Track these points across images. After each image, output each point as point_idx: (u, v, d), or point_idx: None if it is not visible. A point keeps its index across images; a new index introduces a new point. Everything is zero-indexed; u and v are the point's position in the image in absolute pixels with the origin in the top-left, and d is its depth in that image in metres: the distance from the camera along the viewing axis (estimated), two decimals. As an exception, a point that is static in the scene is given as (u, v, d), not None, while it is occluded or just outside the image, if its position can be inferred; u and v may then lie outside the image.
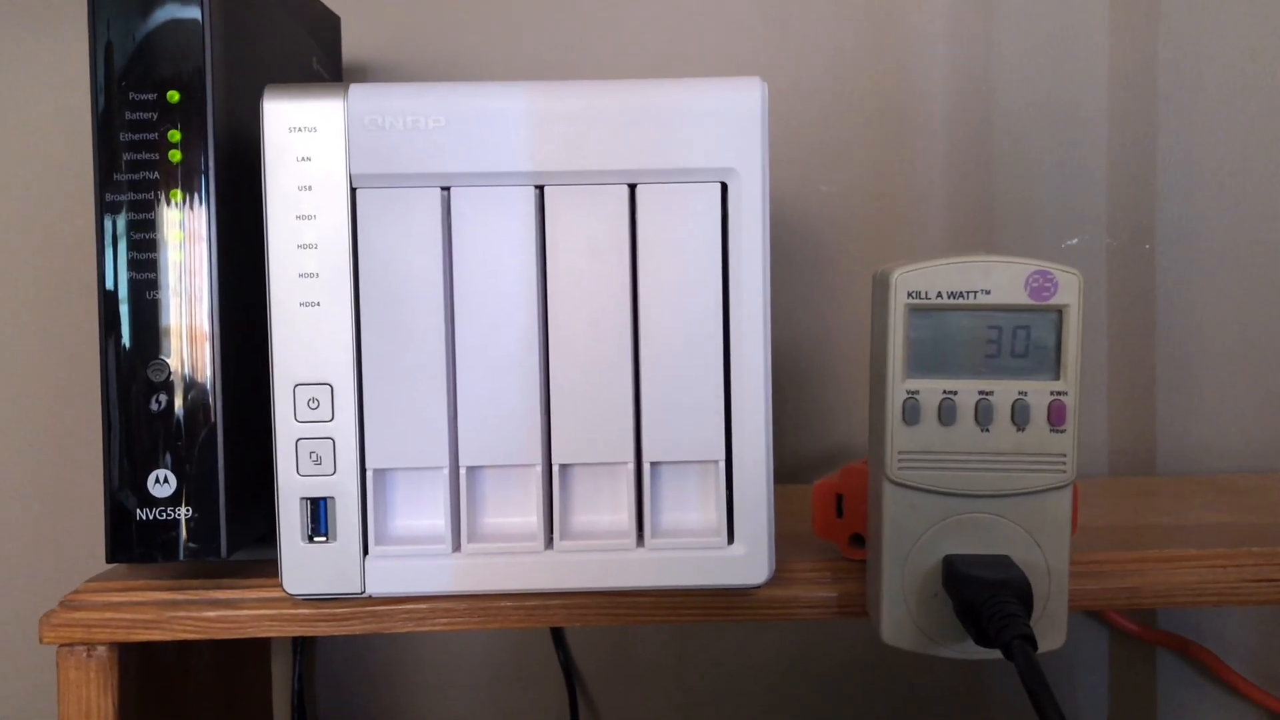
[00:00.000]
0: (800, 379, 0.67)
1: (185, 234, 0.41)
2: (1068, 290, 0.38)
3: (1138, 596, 0.44)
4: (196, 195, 0.41)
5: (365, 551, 0.40)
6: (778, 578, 0.43)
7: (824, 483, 0.45)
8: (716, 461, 0.40)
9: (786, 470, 0.67)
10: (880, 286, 0.40)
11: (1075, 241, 0.67)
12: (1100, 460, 0.67)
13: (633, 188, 0.40)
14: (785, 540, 0.48)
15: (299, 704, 0.65)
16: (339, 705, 0.68)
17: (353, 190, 0.40)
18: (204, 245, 0.41)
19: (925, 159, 0.66)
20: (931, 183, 0.66)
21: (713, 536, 0.40)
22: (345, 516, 0.40)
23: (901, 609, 0.39)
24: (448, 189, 0.40)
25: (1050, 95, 0.66)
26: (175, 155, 0.41)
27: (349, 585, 0.40)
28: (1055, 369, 0.39)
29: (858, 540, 0.45)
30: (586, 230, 0.40)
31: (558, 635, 0.67)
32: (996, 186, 0.66)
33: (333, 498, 0.40)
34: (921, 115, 0.66)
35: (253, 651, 0.62)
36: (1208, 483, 0.61)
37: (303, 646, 0.65)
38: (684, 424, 0.40)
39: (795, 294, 0.67)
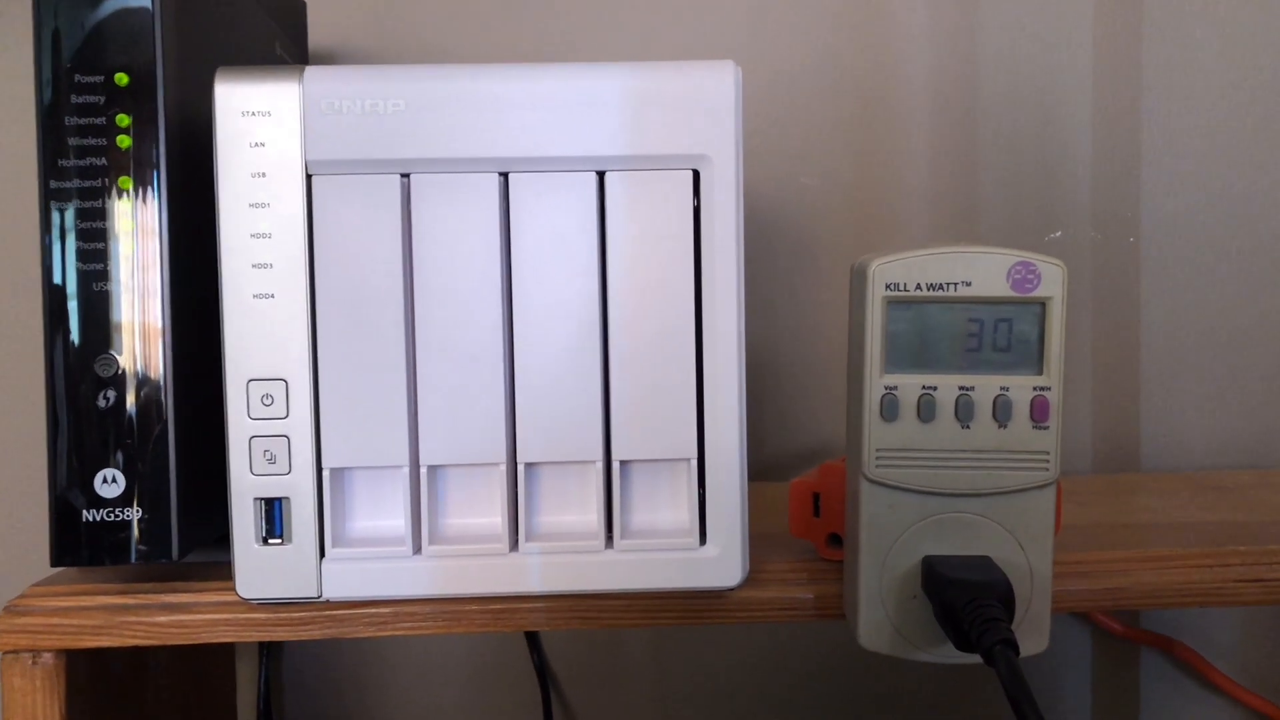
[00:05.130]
0: (781, 375, 0.66)
1: (136, 224, 0.39)
2: (1051, 282, 0.37)
3: (1124, 597, 0.42)
4: (148, 183, 0.39)
5: (322, 554, 0.38)
6: (753, 579, 0.42)
7: (801, 481, 0.43)
8: (688, 460, 0.39)
9: (767, 469, 0.66)
10: (858, 278, 0.38)
11: (1059, 234, 0.66)
12: (1084, 457, 0.66)
13: (601, 175, 0.38)
14: (762, 540, 0.46)
15: (265, 709, 0.63)
16: (307, 709, 0.66)
17: (308, 177, 0.38)
18: (155, 235, 0.39)
19: (908, 151, 0.65)
20: (914, 175, 0.65)
21: (684, 537, 0.39)
22: (301, 517, 0.38)
23: (879, 612, 0.38)
24: (408, 176, 0.38)
25: (1034, 86, 0.65)
26: (125, 141, 0.39)
27: (305, 589, 0.38)
28: (1038, 363, 0.37)
29: (835, 540, 0.43)
30: (553, 219, 0.38)
31: (532, 637, 0.65)
32: (979, 179, 0.65)
33: (288, 498, 0.38)
34: (904, 107, 0.65)
35: (215, 655, 0.60)
36: (1193, 480, 0.60)
37: (269, 649, 0.64)
38: (655, 421, 0.38)
39: (776, 289, 0.65)
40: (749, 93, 0.64)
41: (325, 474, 0.38)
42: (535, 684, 0.65)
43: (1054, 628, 0.38)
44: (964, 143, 0.65)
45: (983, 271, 0.37)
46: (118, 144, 0.39)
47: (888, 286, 0.37)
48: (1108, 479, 0.62)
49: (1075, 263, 0.65)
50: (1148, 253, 0.66)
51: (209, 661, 0.59)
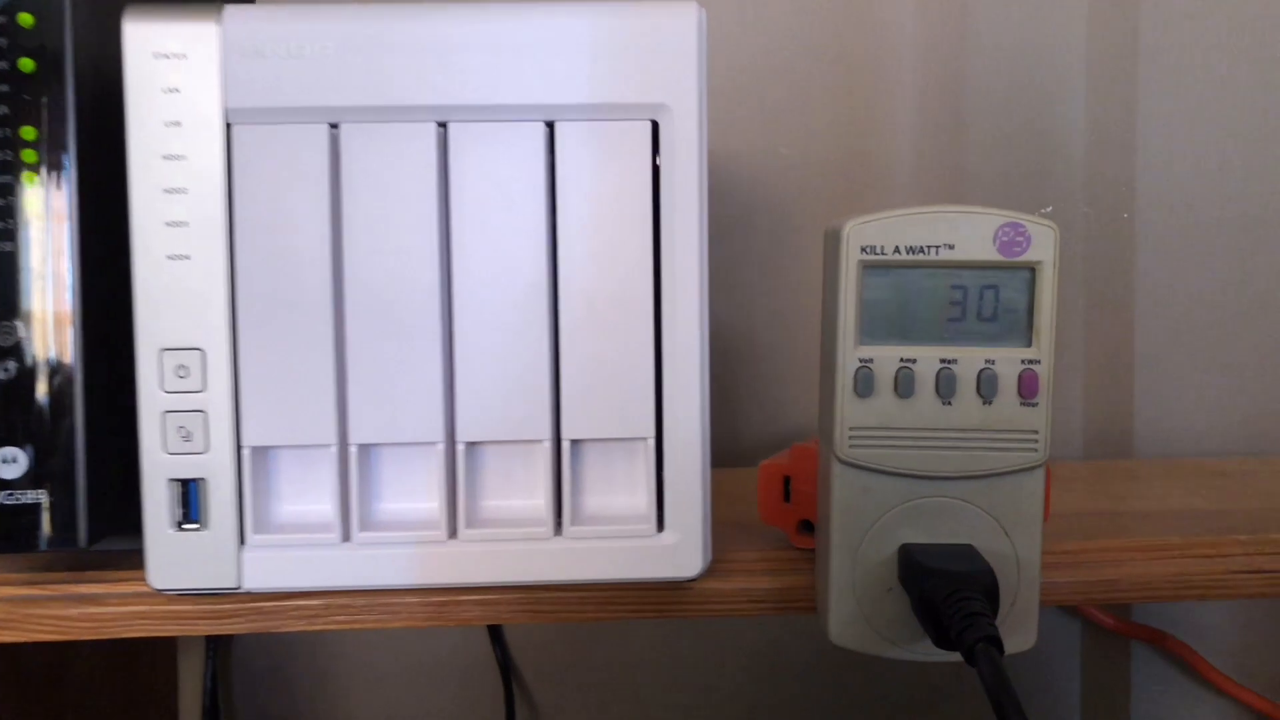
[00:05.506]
0: (759, 357, 0.62)
1: (41, 175, 0.36)
2: (1042, 245, 0.34)
3: (1116, 589, 0.39)
4: (55, 132, 0.36)
5: (243, 541, 0.35)
6: (718, 568, 0.38)
7: (771, 463, 0.40)
8: (645, 439, 0.35)
9: (744, 454, 0.62)
10: (831, 241, 0.35)
11: (1050, 210, 0.62)
12: (1075, 442, 0.63)
13: (551, 126, 0.35)
14: (731, 527, 0.43)
15: (211, 705, 0.60)
16: (258, 706, 0.63)
17: (228, 127, 0.34)
18: (64, 187, 0.36)
19: (894, 119, 0.61)
20: (900, 144, 0.62)
21: (640, 524, 0.35)
22: (219, 501, 0.35)
23: (851, 605, 0.35)
24: (337, 126, 0.35)
25: (1026, 53, 0.61)
26: (29, 85, 0.35)
27: (222, 579, 0.35)
28: (1027, 334, 0.34)
29: (807, 527, 0.40)
30: (497, 174, 0.35)
31: (494, 629, 0.62)
32: (968, 149, 0.62)
33: (205, 479, 0.35)
34: (890, 72, 0.61)
35: (152, 647, 0.56)
36: (1189, 466, 0.57)
37: (216, 643, 0.60)
38: (609, 396, 0.35)
39: (753, 264, 0.62)
40: (722, 57, 0.60)
41: (246, 453, 0.35)
42: (500, 679, 0.62)
43: (1042, 621, 0.35)
44: (953, 110, 0.62)
45: (967, 233, 0.34)
46: (21, 89, 0.35)
47: (863, 250, 0.34)
48: (1099, 465, 0.59)
49: (1068, 239, 0.62)
50: (1143, 229, 0.62)
51: (144, 655, 0.55)
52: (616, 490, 0.36)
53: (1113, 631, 0.62)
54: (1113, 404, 0.63)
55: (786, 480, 0.40)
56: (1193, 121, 0.62)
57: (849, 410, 0.34)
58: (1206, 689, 0.62)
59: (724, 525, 0.44)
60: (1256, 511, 0.45)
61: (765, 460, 0.40)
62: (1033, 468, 0.34)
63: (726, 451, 0.62)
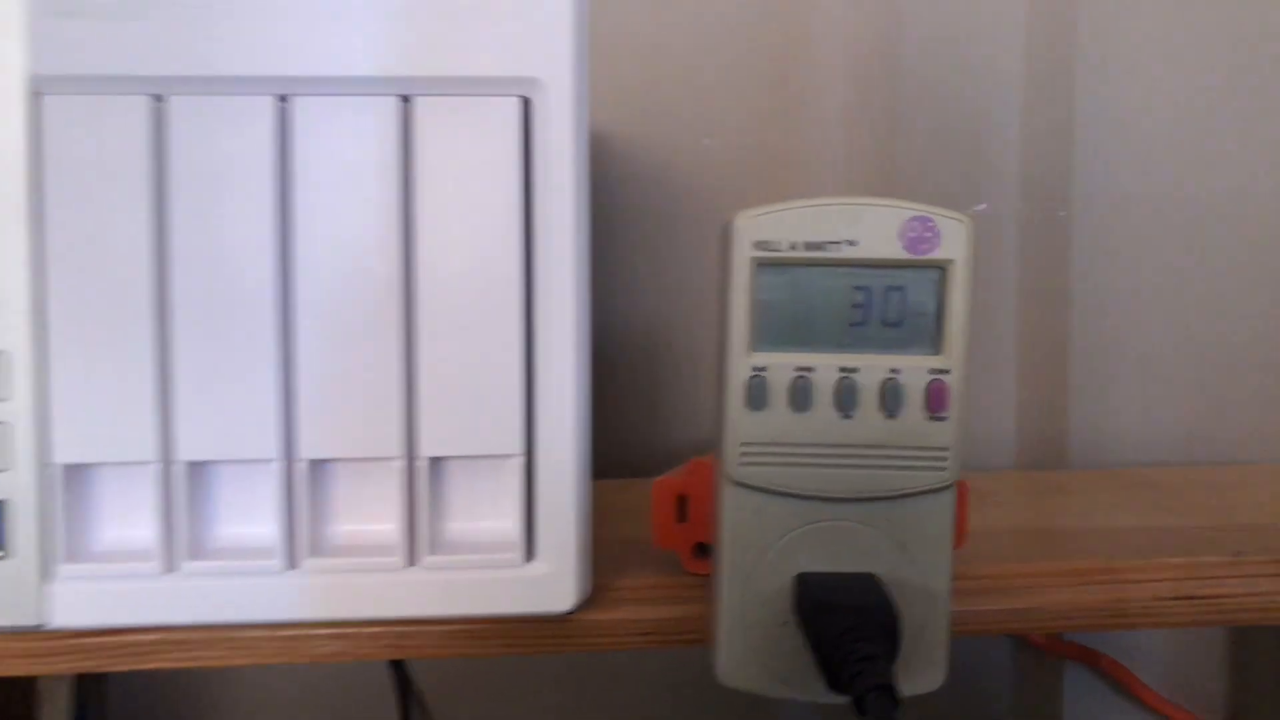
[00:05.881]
0: (680, 362, 0.59)
1: None
2: (953, 241, 0.30)
3: (1037, 619, 0.36)
4: None
5: (51, 571, 0.31)
6: (602, 596, 0.35)
7: (665, 480, 0.37)
8: (513, 456, 0.31)
9: (660, 459, 0.59)
10: (723, 236, 0.31)
11: (985, 206, 0.60)
12: (1007, 452, 0.60)
13: (406, 100, 0.31)
14: (629, 547, 0.40)
15: (80, 735, 0.55)
16: (136, 733, 0.58)
17: (35, 96, 0.30)
18: None
19: (823, 106, 0.58)
20: (829, 136, 0.58)
21: (507, 552, 0.32)
22: (25, 526, 0.30)
23: (741, 640, 0.31)
24: (160, 97, 0.30)
25: (960, 42, 0.58)
26: None
27: (23, 616, 0.30)
28: (935, 341, 0.31)
29: (704, 551, 0.36)
30: (346, 156, 0.31)
31: (393, 651, 0.58)
32: (900, 143, 0.59)
33: (8, 500, 0.30)
34: (819, 60, 0.58)
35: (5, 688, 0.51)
36: (1123, 477, 0.54)
37: (86, 681, 0.55)
38: (472, 407, 0.31)
39: (673, 266, 0.58)
40: (636, 38, 0.57)
41: (56, 471, 0.30)
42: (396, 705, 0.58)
43: (970, 638, 0.32)
44: (885, 101, 0.58)
45: (870, 227, 0.30)
46: None
47: (756, 245, 0.30)
48: (1031, 476, 0.56)
49: (1002, 237, 0.59)
50: (1080, 227, 0.60)
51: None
52: (483, 514, 0.32)
53: (1044, 651, 0.59)
54: (1047, 411, 0.60)
55: (681, 499, 0.36)
56: (1134, 114, 0.59)
57: (740, 424, 0.31)
58: (1140, 708, 0.60)
59: (622, 544, 0.40)
60: (1185, 528, 0.42)
61: (659, 477, 0.37)
62: (941, 488, 0.31)
63: (645, 459, 0.59)
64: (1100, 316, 0.60)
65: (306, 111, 0.30)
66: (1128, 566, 0.37)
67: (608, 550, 0.40)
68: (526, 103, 0.31)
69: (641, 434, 0.59)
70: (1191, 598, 0.36)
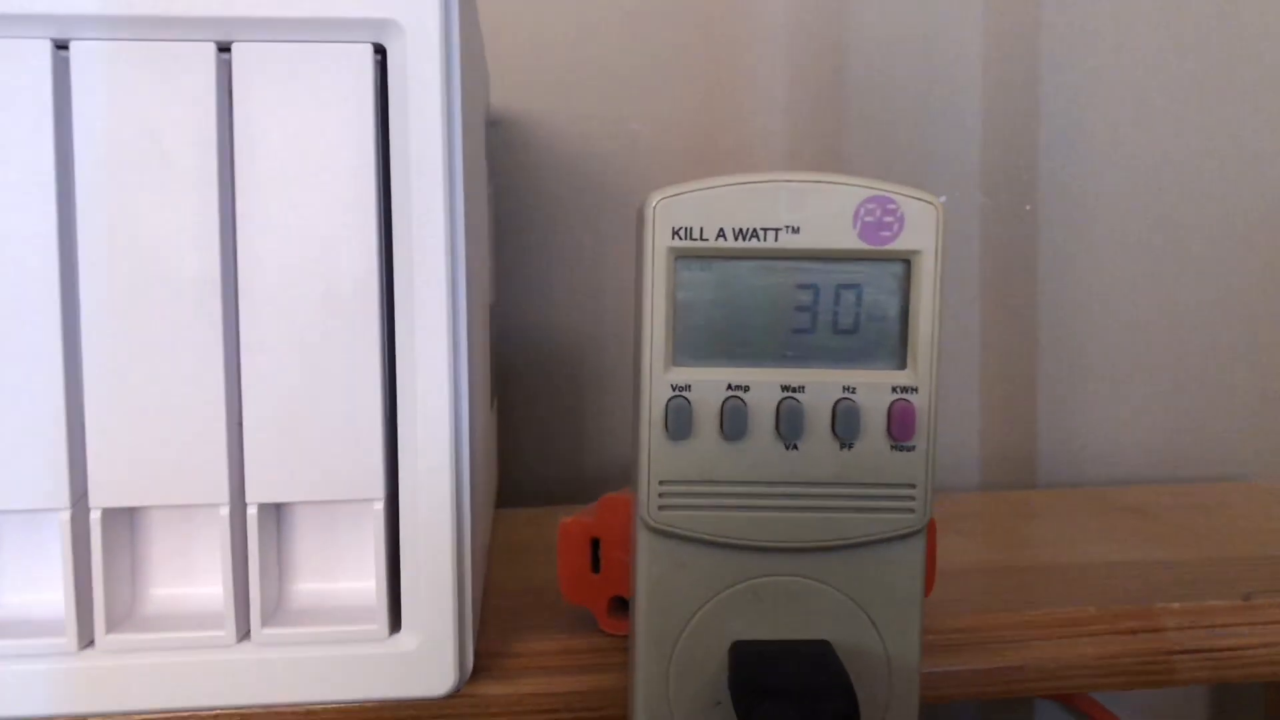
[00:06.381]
0: (606, 375, 0.53)
1: None
2: (920, 227, 0.24)
3: (1018, 679, 0.30)
4: None
5: None
6: (498, 665, 0.28)
7: (575, 521, 0.30)
8: (372, 501, 0.25)
9: (583, 492, 0.52)
10: (638, 223, 0.25)
11: (944, 200, 0.54)
12: (970, 470, 0.55)
13: (225, 48, 0.24)
14: (536, 598, 0.33)
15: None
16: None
17: None
18: None
19: (764, 90, 0.52)
20: (771, 122, 0.52)
21: (365, 622, 0.25)
22: None
23: (662, 730, 0.25)
24: (-101, 41, 0.23)
25: (916, 22, 0.53)
26: None
27: None
28: (899, 352, 0.25)
29: (624, 606, 0.30)
30: (146, 117, 0.24)
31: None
32: (851, 129, 0.53)
33: None
34: (761, 33, 0.52)
35: None
36: (1100, 498, 0.49)
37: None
38: (317, 440, 0.24)
39: (598, 266, 0.52)
40: (562, 13, 0.50)
41: None
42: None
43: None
44: (833, 85, 0.53)
45: (817, 211, 0.24)
46: None
47: (675, 234, 0.24)
48: (998, 497, 0.51)
49: (963, 234, 0.54)
50: (1046, 223, 0.55)
51: None
52: (338, 574, 0.26)
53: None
54: (1014, 425, 0.55)
55: (595, 544, 0.30)
56: (1101, 102, 0.54)
57: (658, 457, 0.25)
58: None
59: (528, 595, 0.34)
60: (1187, 562, 0.37)
61: (568, 517, 0.30)
62: (909, 534, 0.25)
63: (569, 485, 0.52)
64: (1070, 320, 0.55)
65: (88, 60, 0.23)
66: (1122, 613, 0.32)
67: (510, 602, 0.33)
68: (382, 53, 0.24)
69: (564, 457, 0.52)
70: (1200, 651, 0.31)
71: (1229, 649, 0.31)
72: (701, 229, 0.24)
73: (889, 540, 0.25)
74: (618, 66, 0.51)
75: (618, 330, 0.52)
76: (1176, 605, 0.32)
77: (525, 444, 0.52)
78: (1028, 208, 0.55)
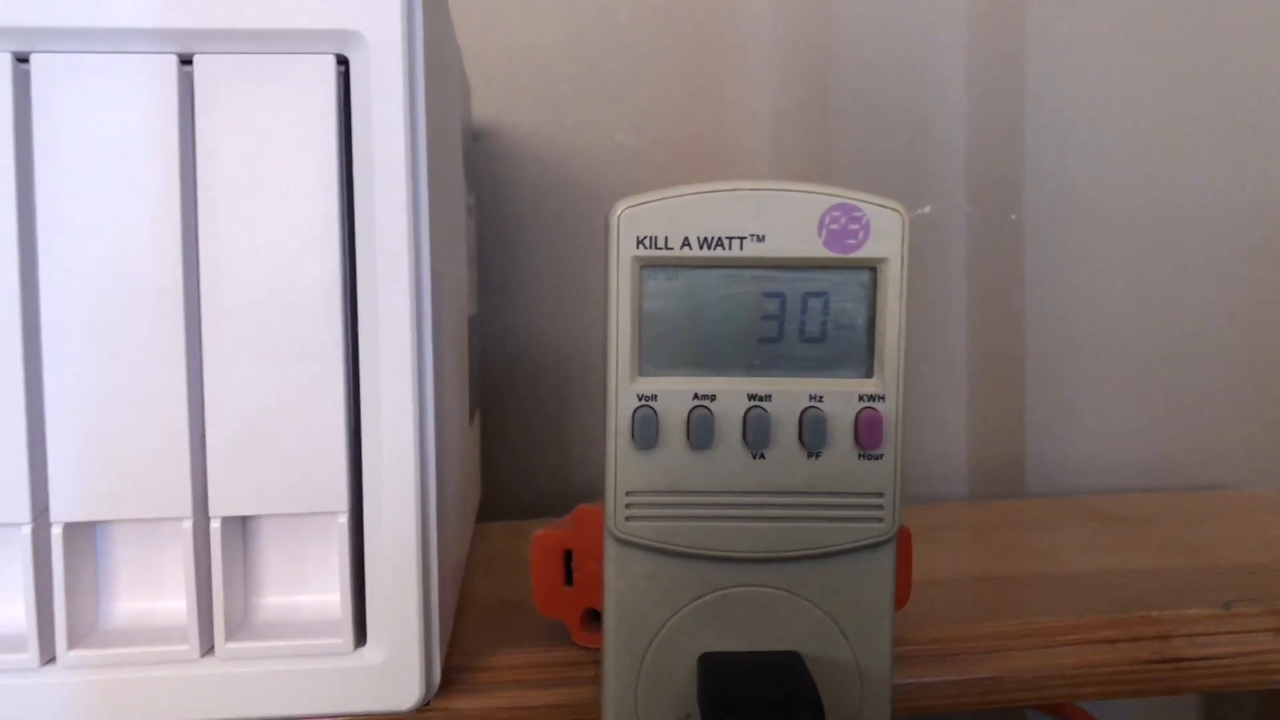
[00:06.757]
0: (593, 386, 0.52)
1: None
2: (885, 235, 0.24)
3: (997, 690, 0.30)
4: None
5: None
6: (469, 678, 0.28)
7: (548, 534, 0.30)
8: (336, 514, 0.25)
9: (563, 504, 0.52)
10: (604, 233, 0.25)
11: (928, 209, 0.54)
12: (958, 480, 0.54)
13: (187, 61, 0.24)
14: (504, 613, 0.33)
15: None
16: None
17: None
18: None
19: (751, 101, 0.52)
20: (758, 132, 0.52)
21: (329, 636, 0.25)
22: None
23: (630, 744, 0.25)
24: None
25: (901, 31, 0.53)
26: None
27: None
28: (866, 360, 0.25)
29: (597, 619, 0.30)
30: (108, 130, 0.24)
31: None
32: (835, 138, 0.53)
33: None
34: (747, 45, 0.52)
35: None
36: (1084, 507, 0.49)
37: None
38: (280, 452, 0.24)
39: (589, 280, 0.52)
40: (544, 22, 0.50)
41: None
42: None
43: None
44: (818, 94, 0.53)
45: (782, 219, 0.24)
46: None
47: (640, 243, 0.24)
48: (986, 508, 0.50)
49: (949, 243, 0.54)
50: (1033, 232, 0.55)
51: None
52: (303, 587, 0.26)
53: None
54: (1001, 435, 0.55)
55: (568, 556, 0.30)
56: (1087, 112, 0.54)
57: (625, 467, 0.24)
58: (1110, 759, 0.54)
59: (503, 608, 0.34)
60: (1161, 571, 0.37)
61: (540, 530, 0.30)
62: (878, 543, 0.25)
63: (550, 497, 0.52)
64: (1058, 328, 0.55)
65: (49, 72, 0.23)
66: (1100, 622, 0.32)
67: (484, 616, 0.33)
68: (345, 64, 0.24)
69: (552, 470, 0.52)
70: (1178, 660, 0.31)
71: (1207, 658, 0.31)
72: (666, 238, 0.24)
73: (858, 549, 0.25)
74: (604, 79, 0.51)
75: (605, 342, 0.52)
76: (1156, 614, 0.32)
77: (512, 457, 0.52)
78: (1013, 217, 0.55)
